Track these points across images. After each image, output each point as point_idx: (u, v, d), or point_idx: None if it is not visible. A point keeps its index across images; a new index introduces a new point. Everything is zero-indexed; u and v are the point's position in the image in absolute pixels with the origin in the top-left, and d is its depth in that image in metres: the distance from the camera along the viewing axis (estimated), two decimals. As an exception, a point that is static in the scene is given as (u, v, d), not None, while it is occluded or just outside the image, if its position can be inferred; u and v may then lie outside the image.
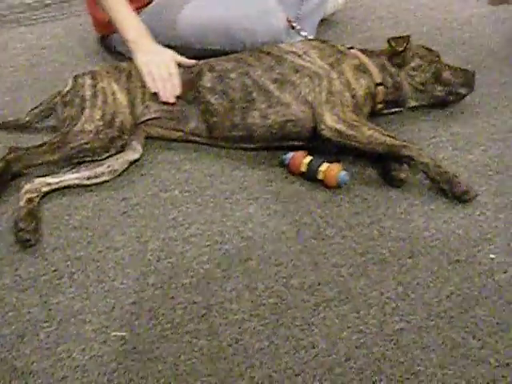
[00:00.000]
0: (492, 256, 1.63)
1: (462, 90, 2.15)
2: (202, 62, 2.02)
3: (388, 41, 2.05)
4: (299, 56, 1.95)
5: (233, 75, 1.92)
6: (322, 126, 1.84)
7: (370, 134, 1.81)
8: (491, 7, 3.00)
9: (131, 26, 2.04)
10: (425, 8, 3.02)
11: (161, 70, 1.94)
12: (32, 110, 2.01)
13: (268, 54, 1.97)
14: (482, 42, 2.68)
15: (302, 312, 1.48)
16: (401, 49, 2.02)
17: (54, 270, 1.59)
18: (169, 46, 2.13)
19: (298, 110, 1.88)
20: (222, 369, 1.36)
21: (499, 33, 2.77)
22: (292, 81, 1.89)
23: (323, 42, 2.05)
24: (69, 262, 1.61)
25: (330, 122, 1.83)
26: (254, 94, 1.89)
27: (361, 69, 1.96)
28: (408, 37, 2.05)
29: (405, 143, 1.80)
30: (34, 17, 2.74)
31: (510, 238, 1.69)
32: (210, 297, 1.52)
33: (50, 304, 1.50)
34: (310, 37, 2.28)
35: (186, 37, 2.22)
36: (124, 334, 1.43)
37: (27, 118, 2.01)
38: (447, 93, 2.13)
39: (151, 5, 2.28)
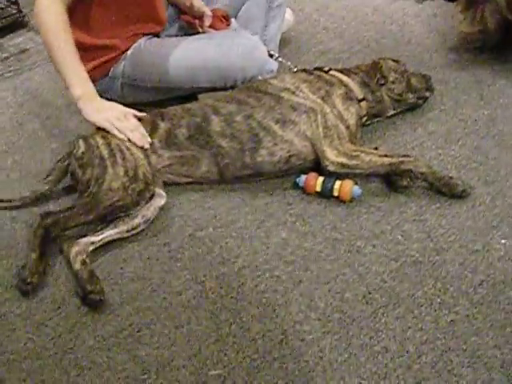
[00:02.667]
0: (503, 241, 1.87)
1: (427, 94, 2.41)
2: (201, 103, 2.16)
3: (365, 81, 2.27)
4: (293, 93, 2.12)
5: (238, 118, 2.07)
6: (326, 162, 2.04)
7: (369, 159, 2.02)
8: (418, 5, 3.25)
9: (79, 83, 2.07)
10: (362, 13, 3.24)
11: (123, 122, 2.04)
12: (47, 177, 2.07)
13: (265, 93, 2.13)
14: (424, 41, 2.93)
15: (365, 321, 1.67)
16: (376, 80, 2.25)
17: (131, 324, 1.70)
18: (157, 88, 2.25)
19: (300, 145, 2.07)
20: (318, 386, 1.53)
21: (434, 29, 3.03)
22: (292, 119, 2.07)
23: (309, 72, 2.24)
24: (140, 314, 1.72)
25: (332, 156, 2.03)
26: (261, 135, 2.05)
27: (349, 96, 2.16)
28: (377, 68, 2.28)
29: (401, 158, 2.02)
30: (-1, 72, 2.77)
31: (512, 222, 1.93)
32: (281, 322, 1.68)
33: (140, 357, 1.61)
34: (289, 63, 2.45)
35: (176, 78, 2.33)
36: (220, 371, 1.57)
37: (47, 187, 2.06)
38: (417, 98, 2.37)
39: (130, 51, 2.37)
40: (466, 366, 1.54)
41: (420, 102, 2.41)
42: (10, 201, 2.07)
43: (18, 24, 3.17)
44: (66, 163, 2.06)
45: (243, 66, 2.28)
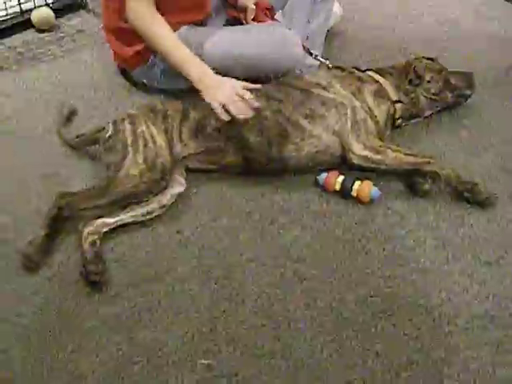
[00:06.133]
0: (518, 256, 1.83)
1: (468, 92, 2.36)
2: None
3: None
4: (324, 88, 2.12)
5: (267, 113, 2.08)
6: (351, 155, 2.04)
7: (395, 155, 2.01)
8: (476, 6, 3.18)
9: (192, 65, 2.17)
10: (415, 12, 3.20)
11: (231, 97, 2.06)
12: (77, 136, 2.20)
13: (295, 88, 2.14)
14: (477, 43, 2.87)
15: (361, 324, 1.67)
16: (410, 81, 2.24)
17: (132, 307, 1.74)
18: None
19: (328, 140, 2.07)
20: (302, 385, 1.53)
21: (487, 32, 2.96)
22: (320, 114, 2.07)
23: (343, 69, 2.23)
24: (143, 298, 1.76)
25: (357, 150, 2.03)
26: (289, 130, 2.06)
27: (380, 94, 2.15)
28: (410, 68, 2.27)
29: (427, 159, 2.00)
30: (51, 52, 2.85)
31: (532, 238, 1.89)
32: (277, 318, 1.69)
33: (136, 340, 1.66)
34: (327, 62, 2.43)
35: (210, 67, 2.36)
36: (209, 361, 1.60)
37: (73, 143, 2.23)
38: (456, 97, 2.33)
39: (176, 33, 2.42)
40: (455, 379, 1.53)
41: (461, 100, 2.38)
42: None
43: (77, 5, 3.26)
44: (96, 136, 2.14)
45: (275, 60, 2.30)
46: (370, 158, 2.01)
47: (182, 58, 2.19)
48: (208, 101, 2.09)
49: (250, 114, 2.05)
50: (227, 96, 2.06)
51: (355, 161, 2.03)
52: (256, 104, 2.05)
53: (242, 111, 2.04)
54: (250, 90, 2.09)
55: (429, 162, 1.99)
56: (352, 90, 2.13)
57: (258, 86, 2.14)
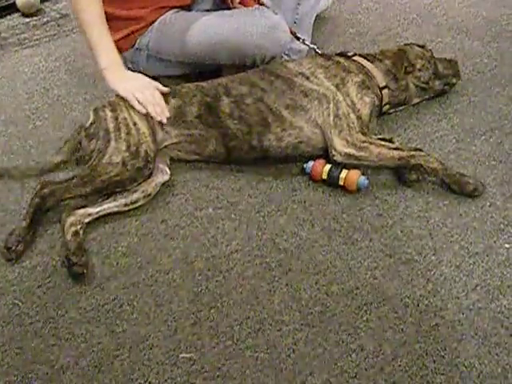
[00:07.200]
0: (507, 246, 1.80)
1: (454, 80, 2.34)
2: (215, 81, 2.14)
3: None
4: (307, 78, 2.08)
5: (248, 101, 2.05)
6: (333, 152, 2.00)
7: (379, 151, 1.96)
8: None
9: (105, 52, 2.13)
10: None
11: (145, 94, 2.04)
12: (61, 148, 2.11)
13: (278, 76, 2.09)
14: (467, 27, 2.83)
15: (346, 317, 1.63)
16: (404, 68, 2.19)
17: (114, 299, 1.72)
18: (178, 62, 2.24)
19: (310, 132, 2.03)
20: (285, 379, 1.50)
21: (481, 15, 2.92)
22: (302, 106, 2.03)
23: (328, 58, 2.19)
24: (125, 289, 1.74)
25: (340, 147, 1.98)
26: (269, 119, 2.02)
27: (365, 85, 2.10)
28: (403, 55, 2.22)
29: (412, 153, 1.96)
30: (36, 37, 2.81)
31: (522, 227, 1.85)
32: (262, 310, 1.66)
33: (117, 333, 1.63)
34: (315, 47, 2.40)
35: (196, 53, 2.33)
36: (191, 355, 1.57)
37: (59, 158, 2.09)
38: (444, 85, 2.30)
39: (156, 23, 2.38)
40: (440, 373, 1.50)
41: (446, 88, 2.35)
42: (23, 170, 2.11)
43: (63, -12, 3.22)
44: (80, 136, 2.07)
45: (261, 45, 2.26)
46: (353, 155, 1.97)
47: (99, 42, 2.13)
48: (118, 90, 2.08)
49: (164, 120, 2.03)
50: (137, 88, 2.04)
51: (338, 158, 2.00)
52: (167, 114, 2.04)
53: (160, 116, 2.03)
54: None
55: (413, 156, 1.94)
56: (336, 81, 2.08)
57: (167, 89, 2.11)
